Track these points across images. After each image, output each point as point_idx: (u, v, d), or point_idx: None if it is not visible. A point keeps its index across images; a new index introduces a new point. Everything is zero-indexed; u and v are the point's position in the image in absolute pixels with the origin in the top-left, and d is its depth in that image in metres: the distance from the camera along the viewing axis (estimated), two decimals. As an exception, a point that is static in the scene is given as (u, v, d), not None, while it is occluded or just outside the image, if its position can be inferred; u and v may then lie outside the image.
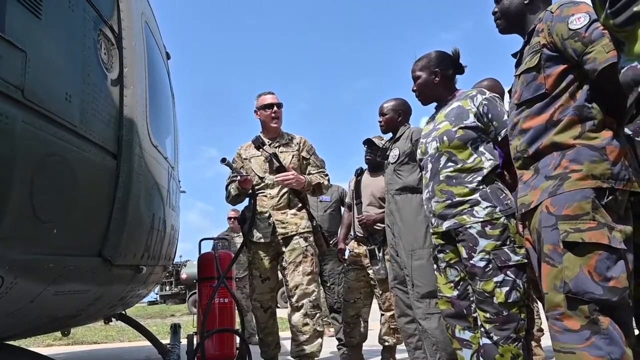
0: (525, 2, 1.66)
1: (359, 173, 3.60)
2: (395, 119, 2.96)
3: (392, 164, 2.85)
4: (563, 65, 1.47)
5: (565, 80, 1.47)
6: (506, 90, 2.47)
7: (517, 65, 1.69)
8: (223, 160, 2.77)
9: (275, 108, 3.05)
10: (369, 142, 3.44)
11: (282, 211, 2.97)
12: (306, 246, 2.90)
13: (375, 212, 3.33)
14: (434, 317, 2.45)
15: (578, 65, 1.43)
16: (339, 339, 3.88)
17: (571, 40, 1.42)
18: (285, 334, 3.46)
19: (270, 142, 3.09)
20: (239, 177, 2.87)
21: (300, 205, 3.02)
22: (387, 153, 2.94)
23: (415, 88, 2.22)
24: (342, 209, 4.44)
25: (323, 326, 2.96)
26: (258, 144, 3.04)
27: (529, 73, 1.55)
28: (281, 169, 2.95)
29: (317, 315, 2.84)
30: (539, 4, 1.65)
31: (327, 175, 3.14)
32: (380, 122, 3.01)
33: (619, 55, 0.89)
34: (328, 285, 4.21)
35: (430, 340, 2.49)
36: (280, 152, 3.04)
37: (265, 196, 3.01)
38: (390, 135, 3.15)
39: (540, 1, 1.66)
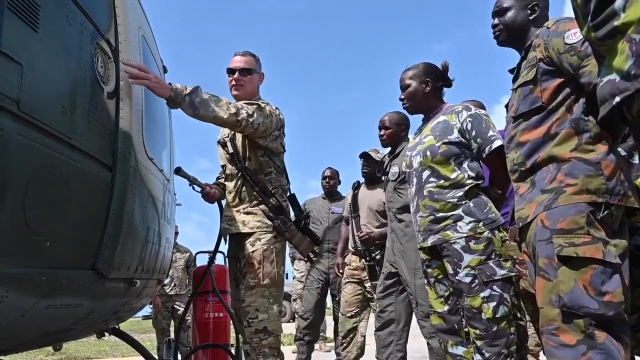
0: (531, 17, 1.69)
1: (356, 187, 3.60)
2: (399, 134, 2.95)
3: (392, 181, 2.84)
4: (559, 79, 1.49)
5: (562, 93, 1.48)
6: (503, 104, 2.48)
7: (514, 79, 1.71)
8: (177, 171, 2.36)
9: (236, 75, 2.45)
10: (365, 156, 3.44)
11: (235, 208, 2.43)
12: (252, 252, 2.30)
13: (373, 225, 3.33)
14: None
15: (574, 78, 1.45)
16: (337, 354, 3.85)
17: (567, 54, 1.44)
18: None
19: None
20: (201, 191, 2.47)
21: (258, 200, 2.38)
22: (387, 170, 2.94)
23: (403, 97, 2.21)
24: None
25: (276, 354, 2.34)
26: None
27: (525, 86, 1.57)
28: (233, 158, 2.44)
29: (264, 342, 2.23)
30: (541, 21, 1.67)
31: (248, 113, 2.20)
32: (382, 135, 2.96)
33: (600, 69, 0.90)
34: (337, 299, 4.17)
35: (436, 358, 2.50)
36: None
37: (226, 190, 2.54)
38: (387, 148, 3.16)
39: (542, 18, 1.68)
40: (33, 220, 1.33)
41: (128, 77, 1.92)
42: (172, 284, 5.60)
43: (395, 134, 2.94)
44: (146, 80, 1.96)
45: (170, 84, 2.04)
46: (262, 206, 2.36)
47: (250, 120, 2.19)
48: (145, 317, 17.24)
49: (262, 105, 2.31)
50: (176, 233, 5.83)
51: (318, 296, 4.13)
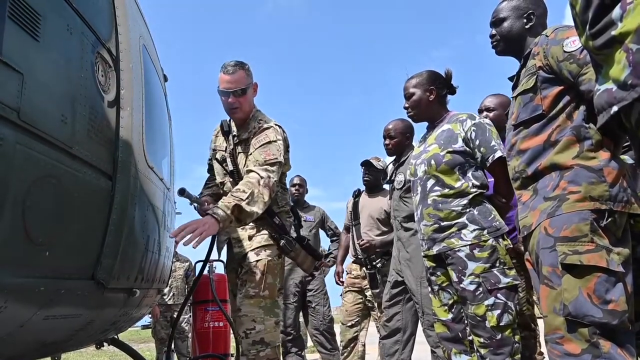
0: (527, 27, 1.70)
1: (357, 194, 3.60)
2: (404, 143, 2.93)
3: (397, 190, 2.83)
4: (559, 86, 1.49)
5: (562, 101, 1.49)
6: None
7: (514, 87, 1.71)
8: (181, 192, 2.24)
9: (231, 98, 2.32)
10: (366, 164, 3.44)
11: (240, 226, 2.34)
12: (255, 261, 2.26)
13: (374, 233, 3.32)
14: None
15: (574, 86, 1.45)
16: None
17: (566, 62, 1.44)
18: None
19: (237, 130, 2.45)
20: (197, 207, 2.38)
21: (261, 220, 2.31)
22: (392, 178, 2.93)
23: (408, 105, 2.20)
24: (321, 231, 4.48)
25: None
26: (224, 132, 2.49)
27: (525, 94, 1.58)
28: (233, 174, 2.38)
29: (261, 354, 2.19)
30: (538, 29, 1.68)
31: (264, 182, 2.14)
32: (387, 144, 2.94)
33: (597, 78, 0.90)
34: (313, 306, 4.16)
35: None
36: (239, 152, 2.41)
37: None
38: (389, 156, 3.15)
39: (539, 26, 1.69)
40: (33, 229, 1.32)
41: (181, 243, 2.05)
42: (171, 294, 5.57)
43: (400, 143, 2.92)
44: (199, 240, 2.03)
45: (215, 218, 2.02)
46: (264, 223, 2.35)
47: (275, 185, 2.22)
48: (145, 327, 17.16)
49: (279, 156, 2.25)
50: (176, 242, 5.79)
51: (295, 310, 4.13)
